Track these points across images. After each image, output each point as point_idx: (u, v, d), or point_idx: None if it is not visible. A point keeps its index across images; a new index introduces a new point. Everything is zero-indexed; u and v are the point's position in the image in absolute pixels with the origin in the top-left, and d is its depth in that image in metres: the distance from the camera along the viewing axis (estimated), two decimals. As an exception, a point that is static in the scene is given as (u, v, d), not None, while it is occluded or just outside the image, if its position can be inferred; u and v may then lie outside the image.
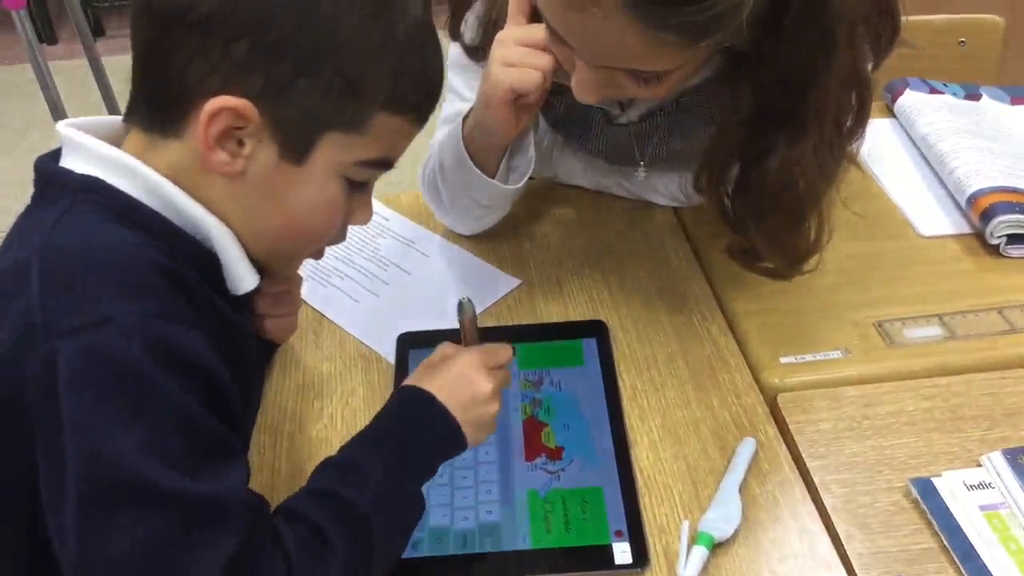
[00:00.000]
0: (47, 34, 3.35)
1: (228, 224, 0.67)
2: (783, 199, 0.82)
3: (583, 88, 0.81)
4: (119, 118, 0.70)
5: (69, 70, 2.65)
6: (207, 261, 0.66)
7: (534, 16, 0.84)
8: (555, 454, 0.82)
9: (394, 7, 0.65)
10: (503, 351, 0.78)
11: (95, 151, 0.65)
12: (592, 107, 0.96)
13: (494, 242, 1.06)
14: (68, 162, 0.66)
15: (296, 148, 0.65)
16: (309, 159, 0.65)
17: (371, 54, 0.64)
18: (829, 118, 0.79)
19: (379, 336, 0.94)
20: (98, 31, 3.36)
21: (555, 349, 0.92)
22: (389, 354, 0.92)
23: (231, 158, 0.64)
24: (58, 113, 1.90)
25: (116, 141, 0.67)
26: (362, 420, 0.85)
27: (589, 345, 0.92)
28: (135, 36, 0.65)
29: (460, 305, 0.77)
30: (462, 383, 0.73)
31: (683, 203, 1.09)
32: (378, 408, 0.85)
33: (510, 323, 0.96)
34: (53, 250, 0.60)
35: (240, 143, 0.64)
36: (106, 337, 0.56)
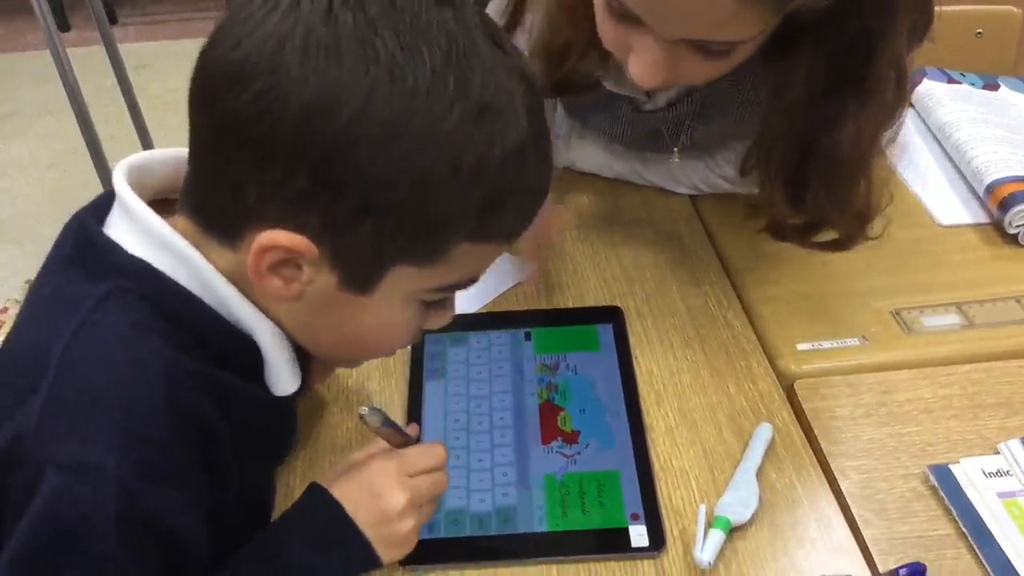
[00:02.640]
0: (60, 21, 3.36)
1: (283, 327, 0.64)
2: (853, 163, 0.80)
3: (648, 70, 0.76)
4: (175, 153, 0.65)
5: (82, 57, 2.65)
6: (251, 358, 0.64)
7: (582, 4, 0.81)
8: (571, 438, 0.82)
9: (493, 130, 0.56)
10: (428, 455, 0.71)
11: (152, 231, 0.60)
12: (618, 95, 0.95)
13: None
14: (117, 230, 0.61)
15: (359, 281, 0.60)
16: (375, 290, 0.60)
17: (456, 191, 0.56)
18: (891, 80, 0.78)
19: (395, 320, 0.94)
20: (111, 18, 3.36)
21: (571, 334, 0.92)
22: (405, 338, 0.92)
23: (286, 284, 0.59)
24: (76, 99, 1.90)
25: (173, 185, 0.63)
26: (377, 403, 0.86)
27: (605, 330, 0.92)
28: (192, 121, 0.58)
29: (361, 419, 0.69)
30: (372, 496, 0.67)
31: (700, 191, 1.09)
32: (393, 391, 0.87)
33: (525, 308, 0.96)
34: (72, 362, 0.56)
35: (298, 266, 0.59)
36: (84, 488, 0.54)
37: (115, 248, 0.61)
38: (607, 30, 0.79)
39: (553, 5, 0.87)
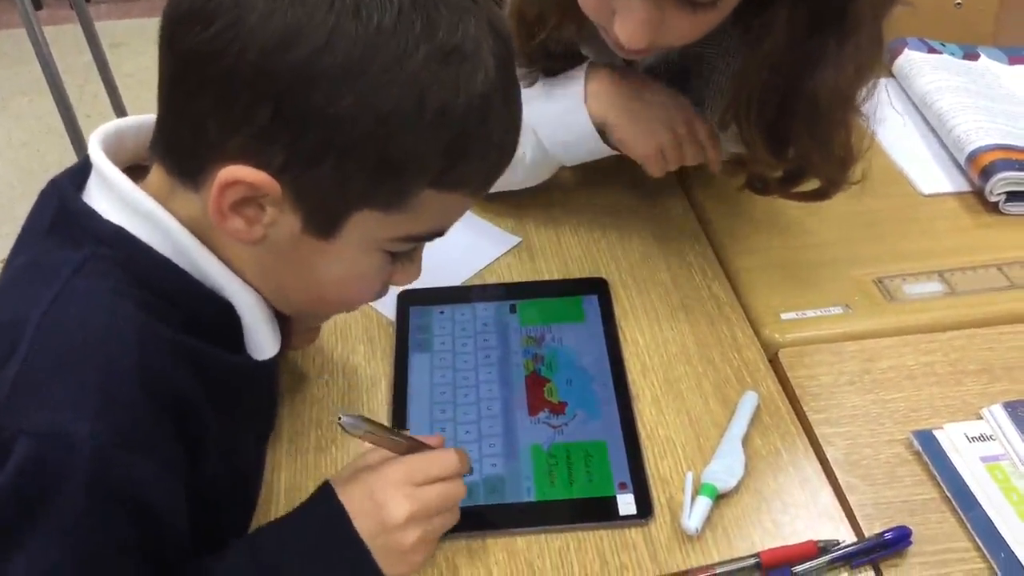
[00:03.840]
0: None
1: (252, 284, 0.63)
2: (834, 107, 0.80)
3: (636, 31, 0.75)
4: (147, 119, 0.65)
5: (54, 36, 2.62)
6: (229, 322, 0.64)
7: None
8: (558, 408, 0.82)
9: (458, 74, 0.56)
10: (440, 462, 0.67)
11: (126, 196, 0.60)
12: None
13: (494, 201, 1.05)
14: (94, 198, 0.61)
15: (322, 223, 0.59)
16: (338, 235, 0.60)
17: (419, 132, 0.56)
18: (869, 21, 0.77)
19: (379, 293, 0.94)
20: (83, -4, 3.32)
21: (556, 305, 0.92)
22: (390, 312, 0.92)
23: (248, 225, 0.59)
24: (53, 79, 1.87)
25: (142, 152, 0.64)
26: (362, 375, 0.86)
27: (590, 301, 0.92)
28: (160, 63, 0.58)
29: (342, 429, 0.65)
30: (373, 504, 0.64)
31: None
32: (379, 364, 0.86)
33: (510, 280, 0.96)
34: (49, 328, 0.56)
35: (261, 207, 0.58)
36: (56, 455, 0.53)
37: (91, 215, 0.61)
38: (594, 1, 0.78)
39: None
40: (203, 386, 0.61)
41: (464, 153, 0.59)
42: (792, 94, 0.80)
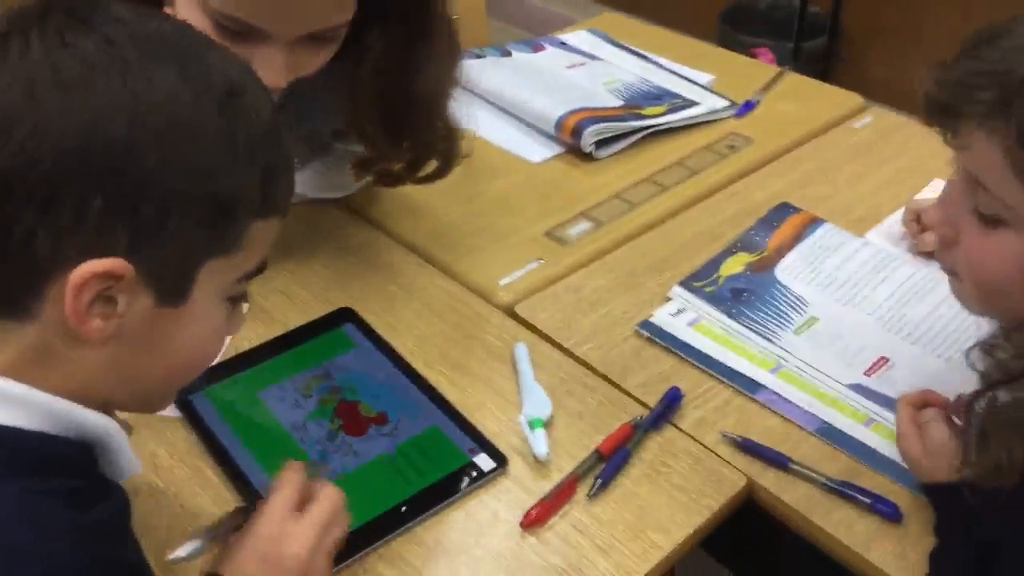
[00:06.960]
0: None
1: (111, 396, 0.62)
2: (437, 99, 1.01)
3: (278, 75, 0.87)
4: None
5: None
6: (93, 462, 0.62)
7: None
8: (380, 420, 0.90)
9: (244, 113, 0.60)
10: (288, 481, 0.72)
11: None
12: None
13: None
14: None
15: (175, 289, 0.60)
16: (190, 295, 0.61)
17: (238, 169, 0.60)
18: (446, 24, 0.98)
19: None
20: None
21: (323, 343, 0.99)
22: (170, 411, 0.91)
23: (104, 321, 0.57)
24: None
25: None
26: (180, 477, 0.86)
27: (350, 329, 1.01)
28: None
29: (186, 559, 0.69)
30: (269, 562, 0.67)
31: (332, 194, 1.20)
32: (188, 461, 0.87)
33: (265, 341, 1.00)
34: None
35: (109, 300, 0.57)
36: None
37: None
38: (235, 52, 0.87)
39: None
40: (127, 543, 0.61)
41: (274, 176, 0.63)
42: (404, 95, 0.99)
